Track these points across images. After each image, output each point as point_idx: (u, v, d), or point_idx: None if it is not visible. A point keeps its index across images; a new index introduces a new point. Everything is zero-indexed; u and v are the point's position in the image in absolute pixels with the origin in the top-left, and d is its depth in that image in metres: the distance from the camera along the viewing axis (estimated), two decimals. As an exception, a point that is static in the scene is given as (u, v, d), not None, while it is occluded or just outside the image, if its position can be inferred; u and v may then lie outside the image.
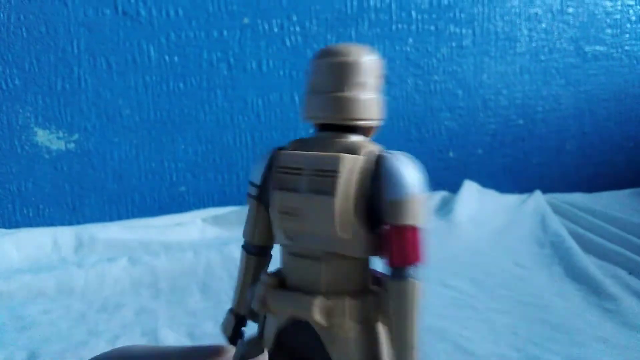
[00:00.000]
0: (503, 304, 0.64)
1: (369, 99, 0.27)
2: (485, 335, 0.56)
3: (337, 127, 0.27)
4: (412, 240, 0.24)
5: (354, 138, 0.27)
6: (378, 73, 0.27)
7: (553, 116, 1.09)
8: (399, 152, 0.26)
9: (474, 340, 0.55)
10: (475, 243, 0.81)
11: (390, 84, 1.00)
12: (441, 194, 1.00)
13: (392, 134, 1.02)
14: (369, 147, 0.26)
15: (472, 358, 0.52)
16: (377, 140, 0.29)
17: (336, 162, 0.25)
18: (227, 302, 0.65)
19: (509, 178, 1.08)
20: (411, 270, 0.25)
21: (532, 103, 1.08)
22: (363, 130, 0.28)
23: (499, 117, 1.07)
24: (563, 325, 0.58)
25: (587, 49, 1.09)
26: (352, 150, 0.26)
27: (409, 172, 0.25)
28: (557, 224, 0.84)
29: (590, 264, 0.71)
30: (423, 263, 0.25)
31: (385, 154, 0.26)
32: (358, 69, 0.26)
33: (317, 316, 0.25)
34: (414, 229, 0.25)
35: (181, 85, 0.95)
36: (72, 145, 0.92)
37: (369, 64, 0.27)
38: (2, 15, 0.87)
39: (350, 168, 0.25)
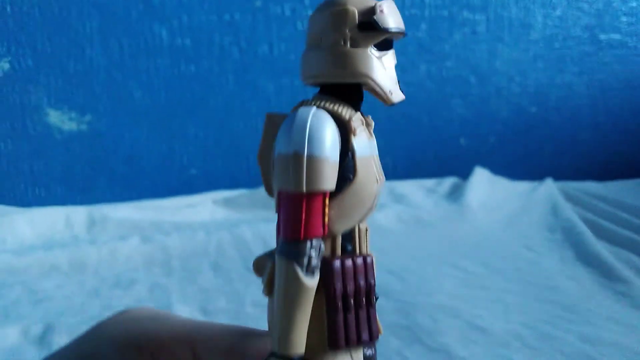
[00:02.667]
0: (514, 285, 0.63)
1: (314, 54, 0.23)
2: (497, 313, 0.56)
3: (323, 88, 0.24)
4: (280, 208, 0.20)
5: (317, 97, 0.23)
6: (337, 24, 0.23)
7: (566, 104, 1.09)
8: (315, 107, 0.21)
9: (486, 318, 0.55)
10: (486, 227, 0.81)
11: (403, 70, 0.99)
12: (451, 180, 1.00)
13: (404, 120, 1.01)
14: (311, 103, 0.22)
15: (485, 335, 0.52)
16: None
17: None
18: (238, 280, 0.65)
19: (520, 166, 1.07)
20: (281, 245, 0.20)
21: (545, 91, 1.07)
22: (332, 90, 0.23)
23: (511, 105, 1.06)
24: (574, 306, 0.58)
25: (602, 37, 1.08)
26: (296, 108, 0.23)
27: (294, 127, 0.20)
28: (568, 211, 0.84)
29: (601, 248, 0.71)
30: (293, 239, 0.19)
31: (298, 107, 0.21)
32: (313, 23, 0.23)
33: (254, 269, 0.23)
34: (280, 195, 0.20)
35: (192, 68, 0.95)
36: (83, 127, 0.92)
37: (324, 16, 0.23)
38: (16, -5, 0.87)
39: (274, 125, 0.22)
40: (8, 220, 0.78)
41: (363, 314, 0.21)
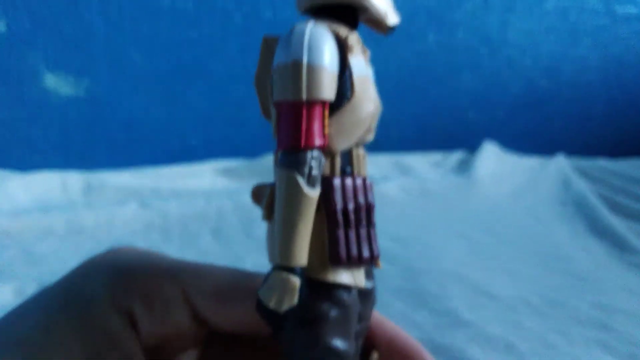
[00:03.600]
0: (524, 254, 0.61)
1: None
2: (506, 281, 0.54)
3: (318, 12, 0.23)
4: (279, 121, 0.20)
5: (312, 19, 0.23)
6: None
7: (579, 79, 1.05)
8: (312, 21, 0.20)
9: (495, 285, 0.53)
10: (494, 199, 0.79)
11: (411, 38, 0.96)
12: (459, 154, 0.97)
13: (411, 91, 0.98)
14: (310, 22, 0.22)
15: (493, 300, 0.50)
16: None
17: None
18: (239, 245, 0.64)
19: (530, 141, 1.04)
20: (281, 156, 0.20)
21: (557, 65, 1.04)
22: (326, 15, 0.22)
23: (522, 78, 1.03)
24: (586, 276, 0.56)
25: (619, 9, 1.04)
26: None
27: (293, 38, 0.19)
28: (580, 185, 0.81)
29: (614, 221, 0.68)
30: (293, 148, 0.19)
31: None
32: None
33: (252, 198, 0.22)
34: (279, 106, 0.20)
35: (194, 33, 0.92)
36: (81, 92, 0.90)
37: None
38: (12, -47, 0.84)
39: (271, 48, 0.22)
40: (3, 185, 0.76)
41: (364, 232, 0.21)
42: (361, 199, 0.21)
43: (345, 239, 0.20)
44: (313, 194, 0.19)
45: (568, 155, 1.01)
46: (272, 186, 0.21)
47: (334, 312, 0.19)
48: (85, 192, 0.78)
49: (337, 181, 0.21)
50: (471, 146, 1.00)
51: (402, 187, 0.81)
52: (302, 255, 0.18)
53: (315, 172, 0.19)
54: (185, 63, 0.92)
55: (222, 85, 0.94)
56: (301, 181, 0.19)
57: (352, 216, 0.21)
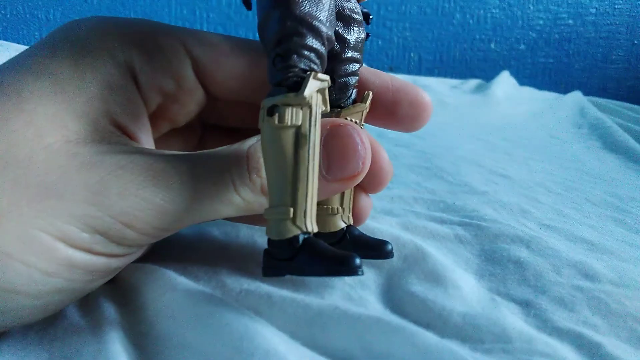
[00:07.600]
0: (538, 156, 0.62)
1: None
2: (520, 170, 0.54)
3: None
4: None
5: None
6: None
7: (605, 21, 1.03)
8: None
9: (510, 170, 0.53)
10: (511, 117, 0.79)
11: (440, -41, 0.94)
12: (476, 81, 0.96)
13: (435, 16, 0.97)
14: None
15: (508, 180, 0.50)
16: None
17: None
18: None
19: (547, 79, 1.03)
20: None
21: (585, 3, 1.02)
22: None
23: (548, 13, 1.01)
24: (601, 177, 0.56)
25: (654, -49, 1.02)
26: None
27: None
28: (596, 112, 0.81)
29: (630, 138, 0.68)
30: None
31: None
32: None
33: None
34: None
35: None
36: (102, -20, 0.88)
37: None
38: None
39: None
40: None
41: None
42: None
43: None
44: None
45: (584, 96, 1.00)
46: None
47: None
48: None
49: None
50: (489, 78, 0.99)
51: (419, 98, 0.80)
52: None
53: None
54: (209, -39, 0.90)
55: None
56: None
57: None
